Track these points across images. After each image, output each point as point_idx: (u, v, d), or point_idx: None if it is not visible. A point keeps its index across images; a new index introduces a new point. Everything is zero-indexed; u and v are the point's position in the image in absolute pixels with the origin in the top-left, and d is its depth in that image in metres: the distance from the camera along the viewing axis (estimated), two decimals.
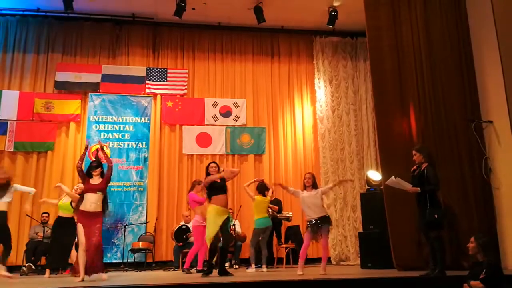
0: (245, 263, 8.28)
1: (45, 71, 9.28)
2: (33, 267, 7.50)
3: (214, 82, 9.92)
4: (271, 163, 9.72)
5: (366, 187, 8.53)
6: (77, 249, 6.47)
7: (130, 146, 9.23)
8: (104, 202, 5.74)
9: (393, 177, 5.71)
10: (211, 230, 5.82)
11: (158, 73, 9.66)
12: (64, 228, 6.66)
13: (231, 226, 6.96)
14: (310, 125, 10.07)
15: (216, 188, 5.96)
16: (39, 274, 7.27)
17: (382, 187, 6.90)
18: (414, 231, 6.04)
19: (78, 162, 5.94)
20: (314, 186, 6.23)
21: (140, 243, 8.35)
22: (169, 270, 7.90)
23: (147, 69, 9.61)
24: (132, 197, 8.95)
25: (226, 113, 9.78)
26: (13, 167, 8.63)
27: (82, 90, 9.30)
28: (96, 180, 5.77)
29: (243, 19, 9.49)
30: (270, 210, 7.84)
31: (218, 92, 9.88)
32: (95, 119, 9.19)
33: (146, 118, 9.41)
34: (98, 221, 5.60)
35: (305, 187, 6.22)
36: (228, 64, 10.03)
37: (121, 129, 9.29)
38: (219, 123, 9.73)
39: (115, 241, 8.67)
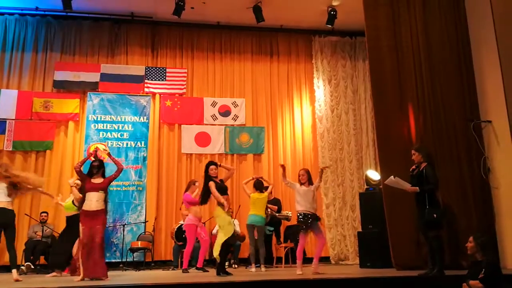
0: (244, 262, 8.28)
1: (44, 70, 9.26)
2: (32, 267, 7.49)
3: (213, 82, 9.91)
4: (270, 162, 9.72)
5: (365, 186, 8.54)
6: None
7: (129, 146, 9.22)
8: (104, 201, 5.73)
9: (392, 176, 5.73)
10: (228, 229, 5.82)
11: (157, 73, 9.65)
12: (69, 227, 6.69)
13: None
14: (309, 124, 10.07)
15: (219, 189, 5.99)
16: (38, 274, 7.26)
17: (381, 186, 6.91)
18: (413, 230, 6.06)
19: (77, 164, 5.94)
20: (310, 181, 6.22)
21: (139, 242, 8.35)
22: (168, 270, 7.90)
23: (146, 68, 9.60)
24: (131, 197, 8.95)
25: (225, 112, 9.77)
26: (12, 166, 8.60)
27: (80, 89, 9.28)
28: (97, 179, 5.77)
29: (242, 19, 9.48)
30: (269, 209, 7.85)
31: (217, 91, 9.88)
32: (93, 118, 9.18)
33: (145, 117, 9.40)
34: (101, 219, 5.61)
35: (301, 184, 6.22)
36: (227, 63, 10.03)
37: (120, 128, 9.28)
38: (218, 123, 9.73)
39: (114, 241, 8.66)
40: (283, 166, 6.52)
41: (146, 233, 8.70)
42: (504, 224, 6.43)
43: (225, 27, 10.02)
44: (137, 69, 9.57)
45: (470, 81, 7.05)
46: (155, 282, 4.99)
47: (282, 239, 8.52)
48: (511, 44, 6.59)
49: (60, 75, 9.18)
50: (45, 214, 8.19)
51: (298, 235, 8.16)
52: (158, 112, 9.52)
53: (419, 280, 5.18)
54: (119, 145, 9.19)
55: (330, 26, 9.40)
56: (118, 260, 8.36)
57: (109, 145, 9.10)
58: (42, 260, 7.98)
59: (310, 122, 10.08)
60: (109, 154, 6.33)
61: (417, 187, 5.54)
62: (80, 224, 5.57)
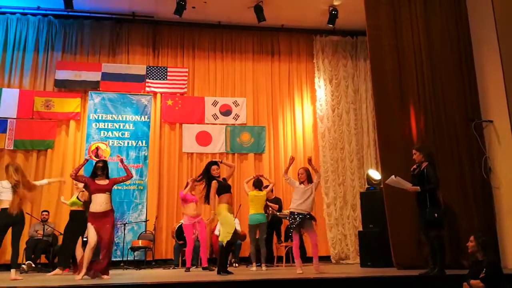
0: (245, 261, 8.29)
1: (45, 69, 9.27)
2: (33, 265, 7.50)
3: (214, 81, 9.91)
4: (271, 162, 9.72)
5: (366, 186, 8.54)
6: (83, 246, 6.55)
7: (130, 145, 9.23)
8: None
9: (393, 176, 5.73)
10: (229, 228, 5.78)
11: (158, 72, 9.66)
12: (74, 222, 6.70)
13: None
14: (310, 124, 10.07)
15: (221, 188, 5.99)
16: (39, 272, 7.27)
17: (382, 186, 6.91)
18: (414, 230, 6.05)
19: (73, 172, 5.84)
20: (309, 180, 6.21)
21: (140, 241, 8.35)
22: (169, 268, 7.91)
23: (147, 68, 9.61)
24: (132, 196, 8.96)
25: (226, 111, 9.78)
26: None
27: (82, 88, 9.29)
28: (102, 181, 5.76)
29: (243, 18, 9.49)
30: (270, 209, 7.86)
31: (218, 90, 9.88)
32: (95, 118, 9.19)
33: (146, 116, 9.41)
34: (109, 219, 5.66)
35: (300, 183, 6.21)
36: (228, 63, 10.03)
37: (121, 127, 9.29)
38: (219, 122, 9.73)
39: (115, 239, 8.65)
40: (292, 158, 6.47)
41: (147, 232, 8.71)
42: (505, 223, 6.43)
43: (226, 26, 10.02)
44: (138, 69, 9.58)
45: (471, 80, 7.04)
46: (156, 281, 5.00)
47: (282, 238, 8.53)
48: None
49: (62, 74, 9.19)
50: (46, 213, 8.20)
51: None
52: (159, 111, 9.52)
53: (420, 279, 5.18)
54: (120, 144, 9.20)
55: (331, 25, 9.39)
56: (119, 259, 8.37)
57: (110, 144, 9.13)
58: (43, 258, 8.00)
59: (311, 122, 10.08)
60: (121, 161, 6.31)
61: (418, 187, 5.54)
62: (89, 225, 5.57)
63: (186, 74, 9.79)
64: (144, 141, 9.29)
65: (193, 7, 9.02)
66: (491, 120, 6.77)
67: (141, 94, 9.51)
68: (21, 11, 9.24)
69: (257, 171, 9.14)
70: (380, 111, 6.95)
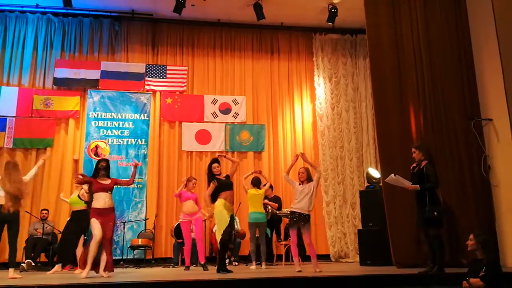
0: (244, 260, 8.30)
1: (44, 67, 9.25)
2: (33, 264, 7.50)
3: (214, 79, 9.90)
4: (271, 160, 9.72)
5: (366, 184, 8.54)
6: (84, 245, 6.56)
7: (129, 143, 9.22)
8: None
9: (392, 174, 5.73)
10: (221, 225, 5.81)
11: (158, 70, 9.65)
12: (75, 221, 6.70)
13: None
14: (309, 122, 10.06)
15: (223, 186, 5.99)
16: (38, 271, 7.27)
17: (381, 184, 6.91)
18: (413, 228, 6.04)
19: (77, 179, 5.92)
20: (309, 179, 6.21)
21: (140, 240, 8.36)
22: (169, 267, 7.91)
23: (146, 66, 9.59)
24: (131, 194, 8.95)
25: (225, 110, 9.77)
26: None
27: (81, 86, 9.28)
28: (104, 180, 5.80)
29: (242, 16, 9.47)
30: (269, 207, 7.86)
31: (217, 89, 9.87)
32: (94, 116, 9.18)
33: (146, 115, 9.40)
34: (112, 216, 5.72)
35: (300, 182, 6.20)
36: (228, 61, 10.01)
37: (120, 125, 9.28)
38: (218, 120, 9.72)
39: (115, 238, 8.60)
40: (297, 156, 6.43)
41: (147, 230, 8.71)
42: (504, 222, 6.44)
43: (226, 24, 10.00)
44: (138, 67, 9.56)
45: (471, 79, 7.04)
46: (155, 279, 5.01)
47: (282, 237, 8.52)
48: None
49: (61, 73, 9.17)
50: (46, 211, 8.20)
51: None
52: (159, 109, 9.51)
53: (420, 278, 5.18)
54: (120, 142, 9.19)
55: (330, 23, 9.37)
56: (118, 258, 8.36)
57: (110, 142, 9.12)
58: (42, 257, 8.00)
59: (310, 120, 10.07)
60: (135, 166, 6.29)
61: (418, 185, 5.55)
62: (94, 220, 5.57)
63: (186, 72, 9.77)
64: (143, 140, 9.28)
65: (192, 5, 9.00)
66: (491, 118, 6.78)
67: (140, 93, 9.49)
68: (20, 9, 9.21)
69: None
70: (379, 110, 6.95)
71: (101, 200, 5.64)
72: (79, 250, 6.70)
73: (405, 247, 6.35)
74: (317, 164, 9.36)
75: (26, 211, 8.22)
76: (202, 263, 6.87)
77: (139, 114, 9.37)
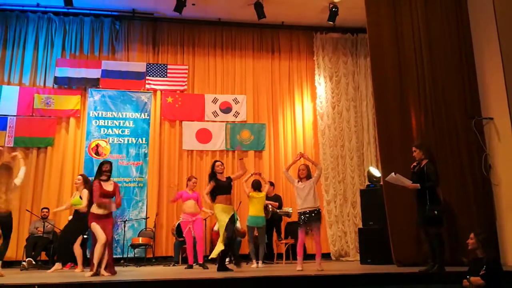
0: (245, 259, 8.29)
1: (45, 66, 9.26)
2: (33, 262, 7.51)
3: (214, 78, 9.90)
4: (271, 159, 9.72)
5: (367, 183, 8.54)
6: (82, 245, 6.64)
7: (130, 142, 9.23)
8: None
9: (393, 173, 5.74)
10: (223, 220, 5.91)
11: (158, 69, 9.65)
12: (77, 220, 6.68)
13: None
14: (310, 121, 10.06)
15: (221, 188, 6.03)
16: (39, 269, 7.28)
17: (382, 183, 6.91)
18: (414, 227, 6.04)
19: (97, 200, 5.77)
20: (309, 177, 6.21)
21: (140, 238, 8.37)
22: (169, 266, 7.92)
23: (147, 65, 9.59)
24: (132, 193, 8.96)
25: (226, 109, 9.77)
26: (12, 162, 8.61)
27: (82, 85, 9.28)
28: (108, 186, 5.83)
29: (243, 15, 9.47)
30: (270, 206, 7.86)
31: (218, 88, 9.87)
32: (95, 115, 9.19)
33: (146, 114, 9.40)
34: (110, 220, 5.78)
35: (300, 179, 6.20)
36: (228, 60, 10.01)
37: (121, 124, 9.29)
38: (219, 119, 9.72)
39: (115, 237, 8.63)
40: (300, 155, 6.47)
41: (147, 229, 8.72)
42: (505, 221, 6.43)
43: (226, 23, 10.00)
44: (138, 66, 9.56)
45: (472, 78, 7.03)
46: (156, 278, 5.01)
47: (282, 236, 8.53)
48: None
49: (61, 72, 9.18)
50: (46, 210, 8.20)
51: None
52: (159, 108, 9.52)
53: (420, 276, 5.19)
54: (120, 141, 9.20)
55: (331, 22, 9.36)
56: (119, 256, 8.37)
57: (110, 141, 9.13)
58: (43, 255, 8.00)
59: (311, 119, 10.07)
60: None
61: (418, 184, 5.55)
62: (94, 224, 5.62)
63: (186, 71, 9.78)
64: (144, 139, 9.28)
65: (193, 4, 9.00)
66: (492, 117, 6.77)
67: (141, 92, 9.50)
68: (21, 8, 9.22)
69: (257, 169, 9.16)
70: (380, 109, 6.95)
71: (101, 207, 5.70)
72: (77, 250, 6.70)
73: (405, 246, 6.35)
74: (318, 163, 9.33)
75: (27, 210, 8.24)
76: (201, 262, 6.88)
77: (139, 113, 9.38)
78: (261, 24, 9.60)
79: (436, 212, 5.43)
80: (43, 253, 7.99)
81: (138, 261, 8.22)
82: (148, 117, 9.39)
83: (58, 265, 6.67)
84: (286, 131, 9.94)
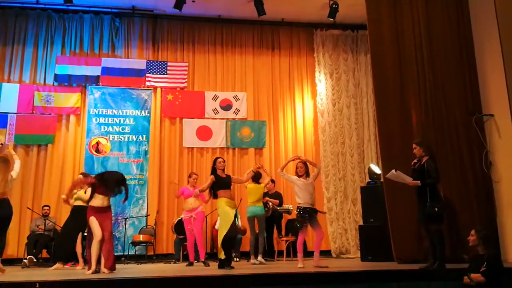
0: (246, 255, 8.31)
1: (45, 64, 9.25)
2: (34, 260, 7.52)
3: (215, 75, 9.88)
4: (272, 156, 9.71)
5: (367, 180, 8.54)
6: (83, 242, 6.61)
7: (130, 139, 9.22)
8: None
9: (393, 170, 5.74)
10: (224, 224, 5.82)
11: (158, 66, 9.64)
12: (76, 218, 6.68)
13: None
14: (310, 118, 10.05)
15: (222, 184, 6.04)
16: (40, 267, 7.30)
17: (382, 180, 6.91)
18: (414, 224, 6.05)
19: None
20: (307, 174, 6.22)
21: (141, 236, 8.38)
22: (170, 263, 7.93)
23: (147, 62, 9.58)
24: (132, 190, 8.92)
25: (226, 106, 9.76)
26: (13, 161, 8.61)
27: (82, 83, 9.27)
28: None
29: (243, 12, 9.44)
30: (270, 203, 7.87)
31: (218, 85, 9.85)
32: (95, 112, 9.18)
33: (146, 111, 9.40)
34: (109, 214, 5.79)
35: (299, 177, 6.21)
36: (229, 57, 9.99)
37: (121, 122, 9.28)
38: (219, 116, 9.72)
39: (116, 234, 8.66)
40: (300, 158, 6.52)
41: (148, 226, 8.73)
42: (505, 217, 6.44)
43: (226, 20, 9.97)
44: (138, 63, 9.55)
45: (472, 74, 7.03)
46: (157, 275, 5.02)
47: (283, 233, 8.54)
48: None
49: (61, 69, 9.17)
50: (47, 207, 8.21)
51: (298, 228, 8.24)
52: (160, 105, 9.51)
53: (420, 273, 5.19)
54: (121, 139, 9.19)
55: (331, 19, 9.33)
56: (120, 254, 8.38)
57: (111, 139, 9.13)
58: (44, 253, 8.02)
59: (311, 116, 10.06)
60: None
61: (419, 181, 5.54)
62: (92, 218, 5.62)
63: (186, 68, 9.76)
64: (144, 136, 9.28)
65: (193, 1, 8.97)
66: (492, 114, 6.77)
67: (141, 89, 9.49)
68: (20, 5, 9.19)
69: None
70: (380, 106, 6.94)
71: (99, 200, 5.72)
72: (78, 247, 6.70)
73: (406, 243, 6.35)
74: (318, 161, 9.36)
75: (28, 208, 8.25)
76: (202, 260, 6.89)
77: (140, 111, 9.37)
78: (261, 21, 9.58)
79: (436, 209, 5.44)
80: (44, 251, 8.01)
81: (139, 259, 8.23)
82: (148, 115, 9.39)
83: (59, 265, 6.68)
84: (286, 128, 9.93)
